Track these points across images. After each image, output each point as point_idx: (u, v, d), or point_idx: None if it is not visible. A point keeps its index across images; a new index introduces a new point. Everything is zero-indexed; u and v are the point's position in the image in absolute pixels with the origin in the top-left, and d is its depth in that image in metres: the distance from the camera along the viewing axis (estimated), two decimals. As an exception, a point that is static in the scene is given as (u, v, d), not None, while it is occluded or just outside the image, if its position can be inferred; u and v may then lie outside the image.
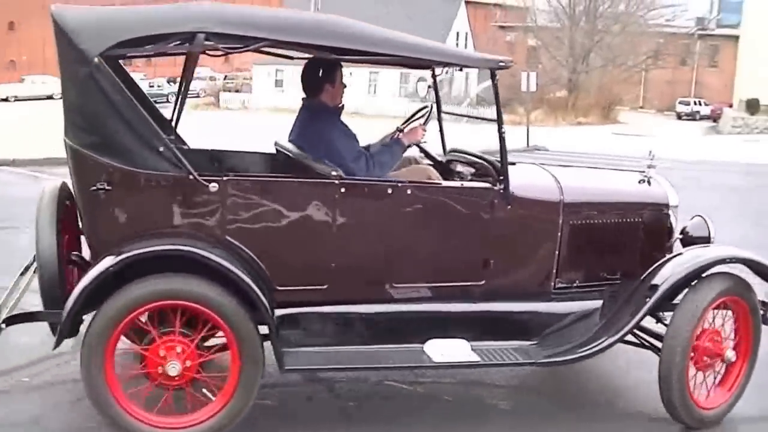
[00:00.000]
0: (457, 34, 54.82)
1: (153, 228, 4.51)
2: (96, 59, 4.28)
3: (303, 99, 5.36)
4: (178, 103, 4.74)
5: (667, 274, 5.05)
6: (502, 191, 5.04)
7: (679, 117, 57.34)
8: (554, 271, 5.29)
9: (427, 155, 6.05)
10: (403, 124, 5.79)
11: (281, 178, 4.76)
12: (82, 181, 4.52)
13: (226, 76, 62.93)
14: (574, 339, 5.06)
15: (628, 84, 54.47)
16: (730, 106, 54.99)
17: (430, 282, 5.01)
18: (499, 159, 5.08)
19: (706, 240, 5.65)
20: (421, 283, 5.00)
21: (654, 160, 5.74)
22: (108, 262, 4.31)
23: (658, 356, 5.07)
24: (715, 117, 54.59)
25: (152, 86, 55.24)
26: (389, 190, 4.85)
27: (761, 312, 5.28)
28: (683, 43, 59.04)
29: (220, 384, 4.59)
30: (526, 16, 53.45)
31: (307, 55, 5.11)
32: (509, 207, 5.06)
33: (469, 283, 5.07)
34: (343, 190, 4.75)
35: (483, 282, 5.09)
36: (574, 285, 5.37)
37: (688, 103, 58.64)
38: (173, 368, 4.49)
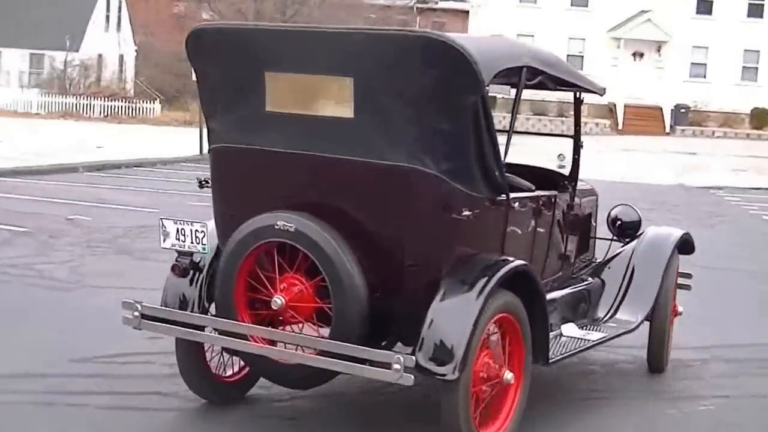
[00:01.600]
0: (108, 3, 50.39)
1: (480, 248, 5.35)
2: (487, 88, 5.06)
3: None
4: (510, 130, 5.65)
5: (656, 251, 7.14)
6: (572, 196, 6.84)
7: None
8: (573, 257, 7.06)
9: None
10: None
11: (543, 193, 6.19)
12: (427, 206, 5.12)
13: None
14: (609, 311, 6.92)
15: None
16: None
17: (547, 276, 6.43)
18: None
19: (638, 224, 7.55)
20: (546, 277, 6.41)
21: (564, 161, 7.15)
22: (482, 283, 5.09)
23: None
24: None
25: None
26: (553, 200, 6.43)
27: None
28: (400, 19, 54.04)
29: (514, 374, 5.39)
30: (200, -18, 47.04)
31: None
32: (573, 208, 6.88)
33: (557, 275, 6.69)
34: (541, 202, 6.22)
35: (561, 273, 6.74)
36: (576, 268, 7.21)
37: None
38: (509, 374, 5.30)
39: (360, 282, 5.08)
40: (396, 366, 4.77)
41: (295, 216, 5.19)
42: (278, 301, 5.22)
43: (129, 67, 50.84)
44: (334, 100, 5.21)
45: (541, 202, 6.14)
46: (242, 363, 5.95)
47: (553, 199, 6.39)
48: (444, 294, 5.04)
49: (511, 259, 5.37)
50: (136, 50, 51.60)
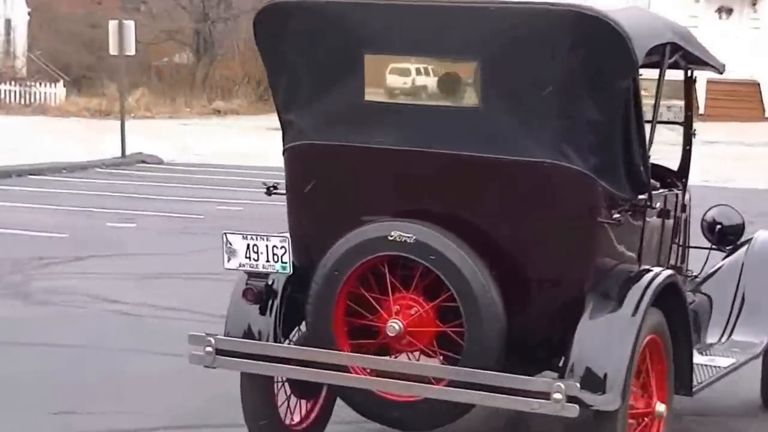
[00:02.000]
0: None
1: (621, 257, 6.22)
2: (639, 69, 5.89)
3: None
4: (654, 120, 6.49)
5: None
6: (683, 195, 7.83)
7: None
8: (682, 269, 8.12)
9: None
10: None
11: (669, 192, 7.29)
12: (571, 209, 5.93)
13: None
14: (723, 333, 7.81)
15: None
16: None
17: None
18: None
19: (741, 228, 8.35)
20: None
21: None
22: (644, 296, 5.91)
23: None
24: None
25: None
26: (676, 199, 7.64)
27: None
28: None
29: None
30: None
31: None
32: (685, 209, 7.90)
33: None
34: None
35: None
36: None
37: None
38: (661, 406, 6.17)
39: (497, 298, 5.78)
40: (556, 395, 5.43)
41: (413, 224, 5.87)
42: (395, 326, 5.87)
43: (19, 36, 51.65)
44: (455, 87, 6.06)
45: (666, 203, 7.00)
46: (309, 408, 6.83)
47: (676, 199, 7.38)
48: (592, 311, 5.81)
49: (657, 269, 6.25)
50: (29, 14, 52.28)
